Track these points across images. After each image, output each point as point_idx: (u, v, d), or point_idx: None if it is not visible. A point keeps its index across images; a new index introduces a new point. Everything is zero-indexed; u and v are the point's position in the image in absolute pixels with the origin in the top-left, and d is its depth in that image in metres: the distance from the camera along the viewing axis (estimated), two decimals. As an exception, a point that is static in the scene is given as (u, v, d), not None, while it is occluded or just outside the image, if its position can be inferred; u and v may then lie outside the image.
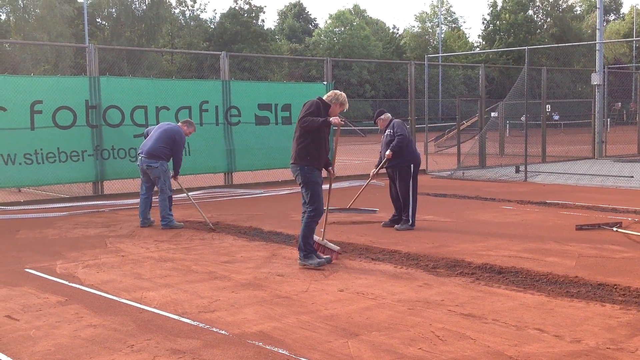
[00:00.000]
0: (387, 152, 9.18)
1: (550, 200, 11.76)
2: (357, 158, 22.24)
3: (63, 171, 12.40)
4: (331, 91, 7.23)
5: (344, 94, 7.20)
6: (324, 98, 7.12)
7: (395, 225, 9.14)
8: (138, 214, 9.80)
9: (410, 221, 9.07)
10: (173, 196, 9.90)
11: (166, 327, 4.98)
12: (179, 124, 9.91)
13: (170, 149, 9.49)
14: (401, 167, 9.19)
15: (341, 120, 6.95)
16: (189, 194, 10.49)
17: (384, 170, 9.58)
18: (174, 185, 9.91)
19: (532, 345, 4.49)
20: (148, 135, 9.81)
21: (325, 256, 7.08)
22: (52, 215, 10.88)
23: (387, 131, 9.37)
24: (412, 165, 9.18)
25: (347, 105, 7.22)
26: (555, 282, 6.13)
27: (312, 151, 6.96)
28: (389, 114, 9.59)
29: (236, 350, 4.47)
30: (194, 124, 10.12)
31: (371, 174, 9.78)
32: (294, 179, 7.23)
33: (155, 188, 9.76)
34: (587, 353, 4.34)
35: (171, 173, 9.72)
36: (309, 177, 6.96)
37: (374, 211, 10.15)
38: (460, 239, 8.39)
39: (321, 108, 6.98)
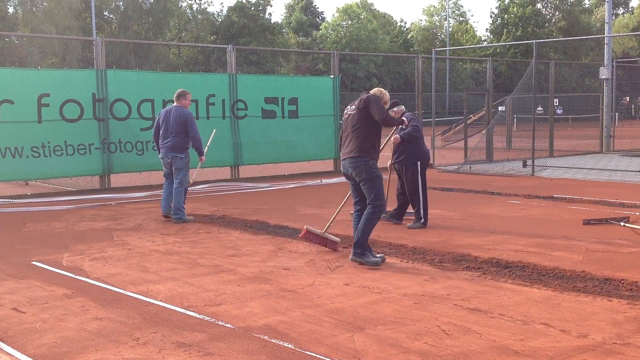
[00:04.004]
0: (394, 137, 8.74)
1: (557, 195, 11.72)
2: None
3: (70, 164, 12.43)
4: (376, 89, 7.13)
5: (387, 93, 7.16)
6: (371, 93, 7.01)
7: (408, 224, 8.91)
8: (160, 204, 9.86)
9: (423, 219, 8.88)
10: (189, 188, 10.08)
11: (172, 321, 4.99)
12: (175, 104, 9.66)
13: (188, 135, 9.50)
14: (407, 165, 8.97)
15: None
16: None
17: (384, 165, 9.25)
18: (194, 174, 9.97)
19: (538, 339, 4.48)
20: (160, 126, 9.63)
21: (379, 255, 6.89)
22: (59, 208, 10.92)
23: None
24: (418, 163, 8.97)
25: (388, 104, 7.23)
26: (562, 277, 6.11)
27: (377, 145, 6.88)
28: (403, 106, 9.42)
29: (242, 344, 4.48)
30: (186, 91, 9.77)
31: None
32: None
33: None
34: (593, 348, 4.32)
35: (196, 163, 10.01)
36: (375, 172, 6.81)
37: None
38: (466, 233, 8.37)
39: None
